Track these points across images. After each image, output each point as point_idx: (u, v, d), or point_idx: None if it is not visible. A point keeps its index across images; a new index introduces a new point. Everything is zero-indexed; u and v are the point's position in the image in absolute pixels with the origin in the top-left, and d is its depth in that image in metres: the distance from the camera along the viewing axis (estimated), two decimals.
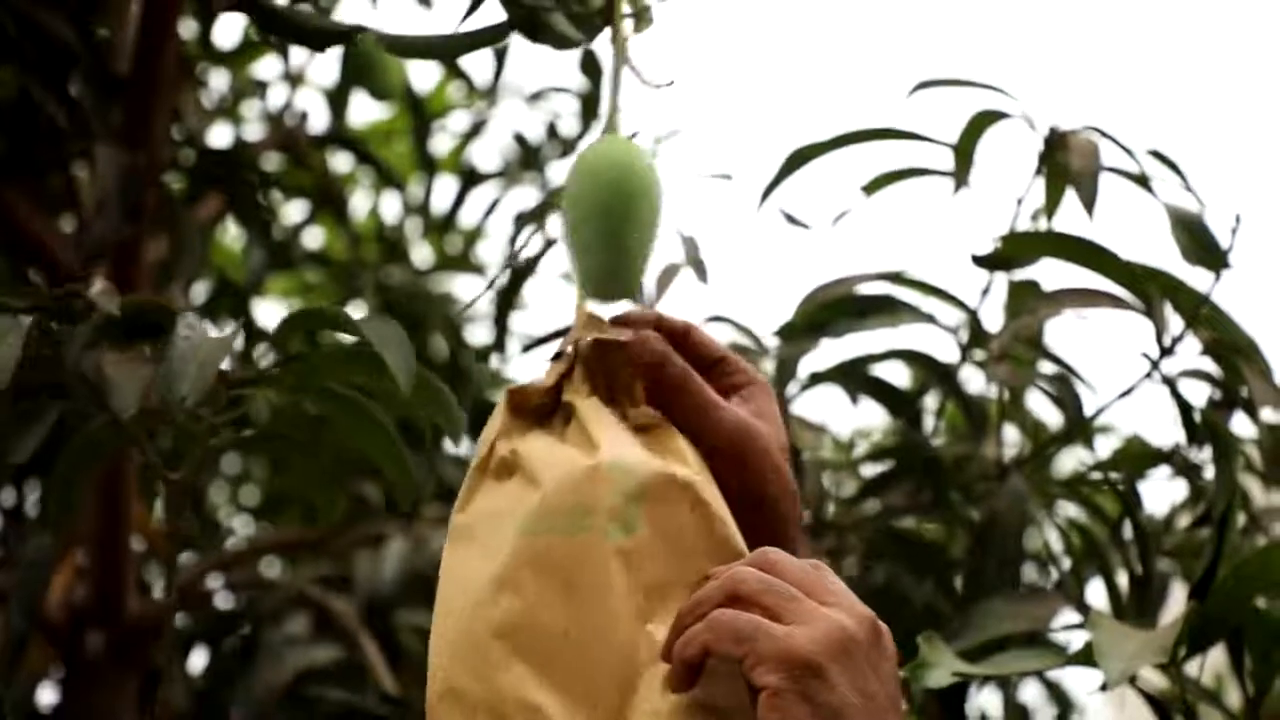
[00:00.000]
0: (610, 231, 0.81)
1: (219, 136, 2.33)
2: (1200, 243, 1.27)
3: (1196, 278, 1.27)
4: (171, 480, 1.01)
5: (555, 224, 1.84)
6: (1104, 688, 1.02)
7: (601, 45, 1.11)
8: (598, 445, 0.78)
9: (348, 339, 1.02)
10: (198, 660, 2.00)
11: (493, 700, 0.73)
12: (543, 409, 0.82)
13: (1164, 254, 1.28)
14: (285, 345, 1.04)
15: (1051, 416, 1.54)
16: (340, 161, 2.54)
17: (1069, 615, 1.34)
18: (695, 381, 0.82)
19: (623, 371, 0.82)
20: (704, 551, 0.77)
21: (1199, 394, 1.32)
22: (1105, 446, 1.49)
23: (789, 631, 0.70)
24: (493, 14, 1.03)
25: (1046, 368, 1.43)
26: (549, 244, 1.88)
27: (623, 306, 0.85)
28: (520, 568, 0.75)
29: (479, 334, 2.47)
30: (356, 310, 1.71)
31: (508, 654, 0.74)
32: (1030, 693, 2.05)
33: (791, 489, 0.84)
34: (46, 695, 2.09)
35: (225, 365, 1.00)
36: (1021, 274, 1.41)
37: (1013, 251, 1.36)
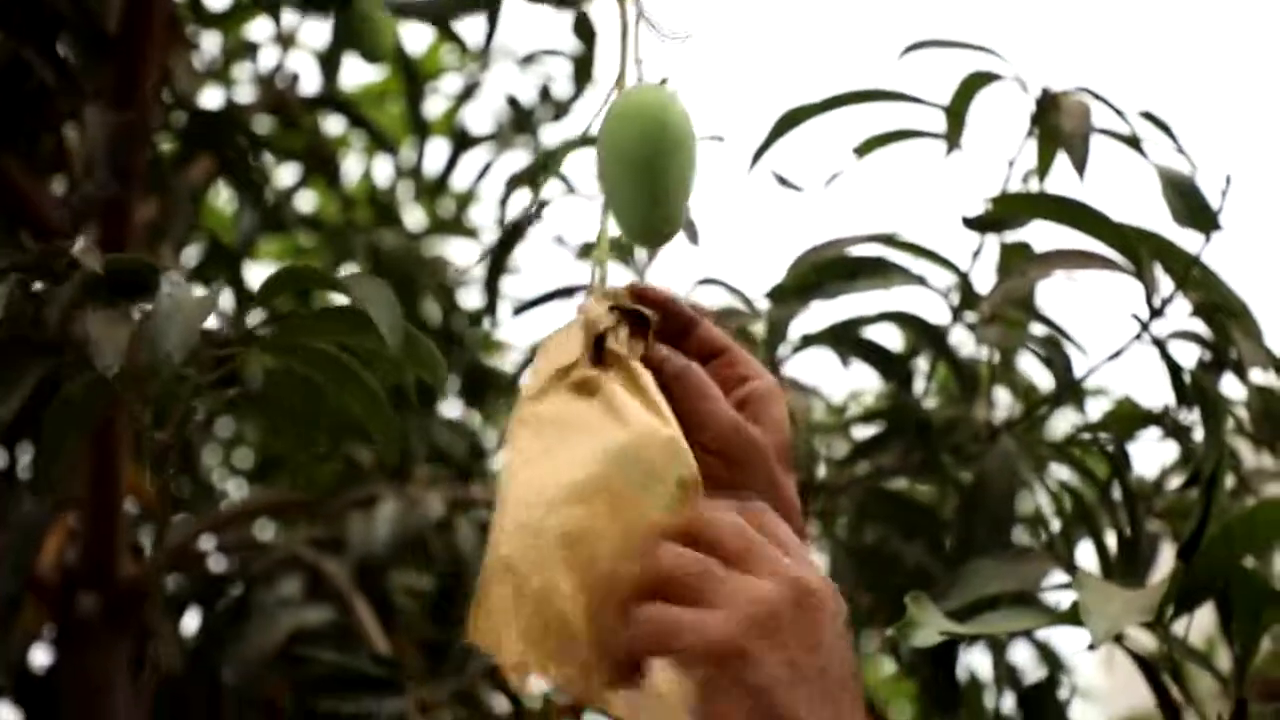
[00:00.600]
0: (648, 178, 0.81)
1: (210, 99, 2.32)
2: (1191, 204, 1.27)
3: (1187, 239, 1.27)
4: (158, 439, 1.01)
5: (547, 187, 1.84)
6: (1091, 647, 1.02)
7: (599, 6, 1.11)
8: (666, 417, 0.80)
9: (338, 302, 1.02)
10: (190, 622, 2.01)
11: (540, 598, 0.75)
12: (610, 359, 0.82)
13: (1155, 216, 1.28)
14: (271, 304, 1.03)
15: (1042, 379, 1.54)
16: (332, 124, 2.53)
17: (1059, 576, 1.34)
18: (695, 374, 0.83)
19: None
20: None
21: (1189, 355, 1.32)
22: (1096, 409, 1.49)
23: (706, 622, 0.71)
24: None
25: (1037, 330, 1.42)
26: (541, 206, 1.87)
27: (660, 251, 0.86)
28: (598, 492, 0.77)
29: (471, 298, 2.47)
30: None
31: (566, 563, 0.75)
32: (1021, 654, 2.05)
33: (789, 501, 0.83)
34: (40, 657, 2.10)
35: (215, 326, 1.00)
36: (1013, 236, 1.40)
37: (1004, 213, 1.36)
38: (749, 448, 0.82)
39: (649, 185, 0.81)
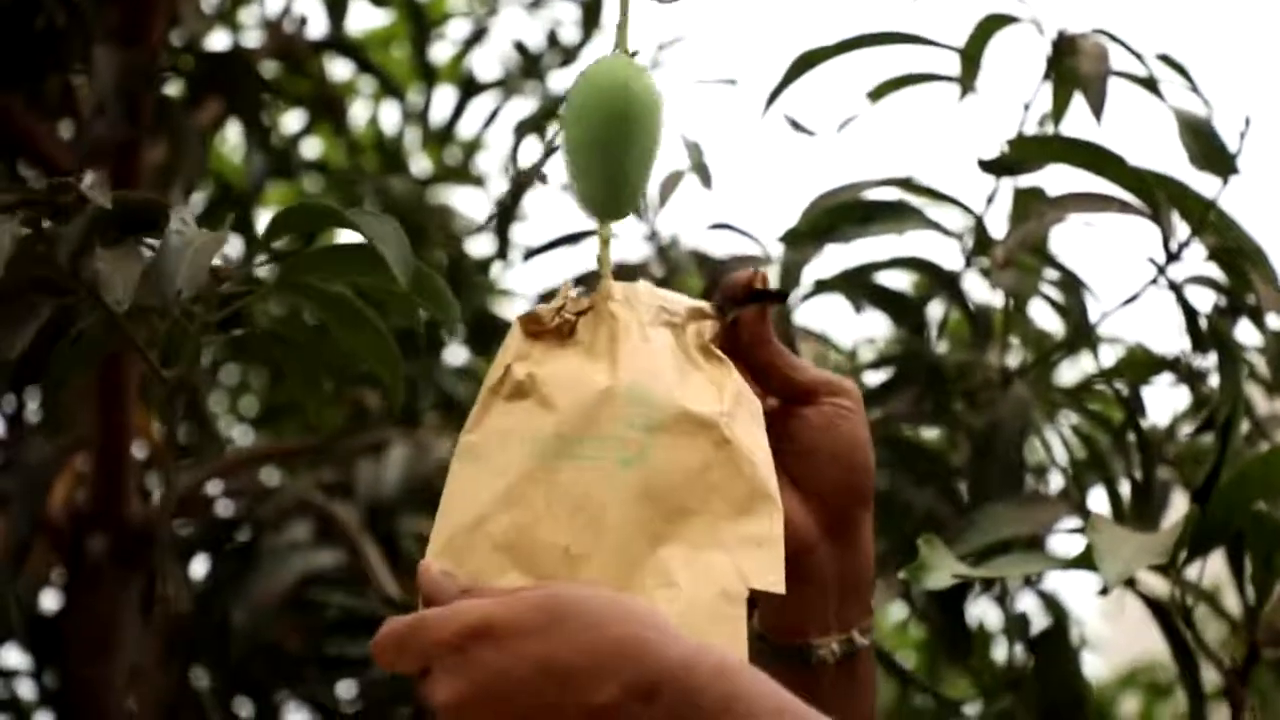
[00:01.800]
0: (608, 152, 0.80)
1: (217, 43, 2.31)
2: (1208, 147, 1.26)
3: (1204, 183, 1.26)
4: (166, 378, 1.00)
5: (555, 132, 1.83)
6: (1103, 591, 1.02)
7: None
8: (617, 364, 0.77)
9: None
10: (199, 567, 2.02)
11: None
12: (564, 327, 0.81)
13: (1172, 159, 1.27)
14: (278, 242, 1.02)
15: (1056, 325, 1.53)
16: (339, 69, 2.52)
17: (1071, 522, 1.34)
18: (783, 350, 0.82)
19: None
20: (730, 491, 0.75)
21: (1205, 300, 1.31)
22: (1110, 355, 1.48)
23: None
24: None
25: (1051, 275, 1.42)
26: (550, 152, 1.86)
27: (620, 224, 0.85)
28: (529, 486, 0.75)
29: (479, 246, 2.46)
30: None
31: (506, 564, 0.74)
32: (1028, 605, 2.05)
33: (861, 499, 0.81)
34: (49, 600, 2.10)
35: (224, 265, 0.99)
36: (1027, 181, 1.39)
37: (1019, 156, 1.34)
38: (844, 430, 0.81)
39: (607, 160, 0.80)
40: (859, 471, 0.81)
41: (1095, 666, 3.59)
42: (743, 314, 0.82)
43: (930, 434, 1.66)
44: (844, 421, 0.81)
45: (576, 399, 0.77)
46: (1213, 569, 1.18)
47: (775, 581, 0.74)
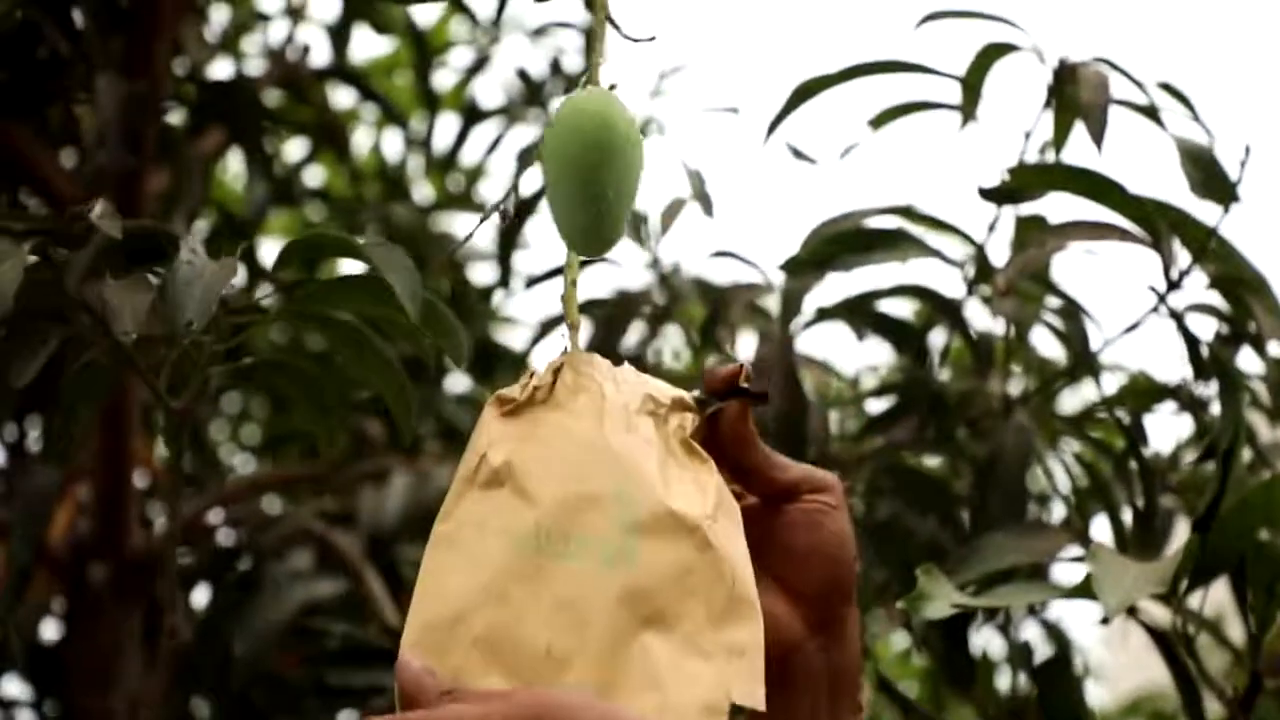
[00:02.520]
0: (587, 187, 0.79)
1: (220, 72, 2.32)
2: (1209, 176, 1.26)
3: (1205, 211, 1.26)
4: (172, 409, 1.01)
5: (519, 173, 1.83)
6: (1105, 621, 1.02)
7: None
8: (600, 455, 0.75)
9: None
10: (201, 596, 2.01)
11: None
12: (539, 393, 0.79)
13: (1173, 187, 1.27)
14: (286, 272, 1.03)
15: (1058, 353, 1.54)
16: (342, 97, 2.53)
17: (1074, 551, 1.34)
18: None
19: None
20: (711, 596, 0.73)
21: (1206, 328, 1.32)
22: (1112, 383, 1.48)
23: None
24: None
25: (1053, 303, 1.42)
26: (514, 190, 1.87)
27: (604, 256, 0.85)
28: (509, 582, 0.73)
29: (482, 274, 2.46)
30: None
31: (487, 663, 0.73)
32: (1031, 635, 2.05)
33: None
34: (50, 630, 2.10)
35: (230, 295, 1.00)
36: (1029, 209, 1.40)
37: (1020, 184, 1.35)
38: (823, 533, 0.79)
39: (587, 194, 0.79)
40: (843, 567, 0.80)
41: (1099, 696, 3.59)
42: (724, 411, 0.80)
43: (932, 462, 1.66)
44: (826, 519, 0.80)
45: (557, 491, 0.75)
46: (1217, 598, 1.18)
47: (756, 695, 0.72)
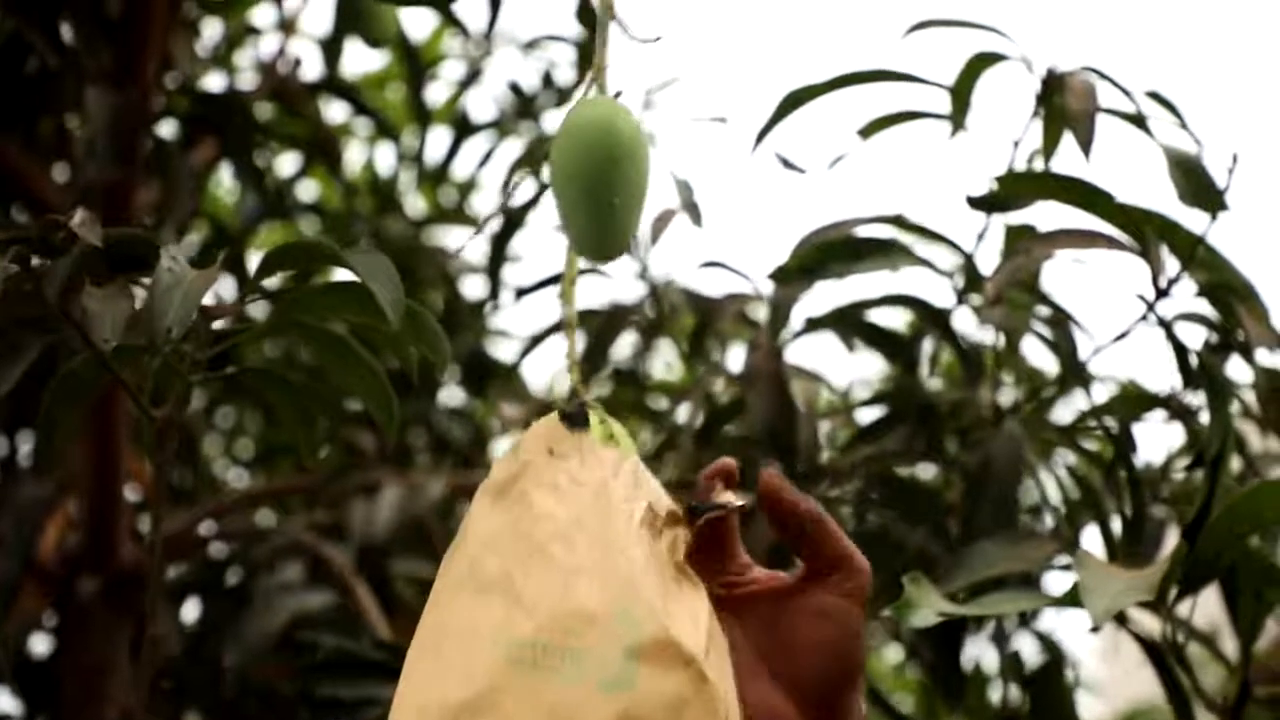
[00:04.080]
0: (596, 193, 0.80)
1: (212, 85, 2.32)
2: (1197, 184, 1.26)
3: (1193, 219, 1.26)
4: (155, 417, 1.00)
5: (547, 171, 1.83)
6: (1094, 629, 1.01)
7: None
8: (597, 573, 0.73)
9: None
10: (192, 608, 2.01)
11: None
12: (527, 474, 0.76)
13: (1161, 196, 1.27)
14: (270, 280, 1.02)
15: (1047, 362, 1.53)
16: (334, 111, 2.53)
17: (1064, 560, 1.33)
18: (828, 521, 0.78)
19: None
20: None
21: (1195, 337, 1.31)
22: (1102, 393, 1.48)
23: None
24: None
25: (1042, 312, 1.42)
26: (542, 191, 1.87)
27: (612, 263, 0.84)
28: (502, 696, 0.71)
29: (472, 287, 2.46)
30: None
31: None
32: (1024, 646, 2.05)
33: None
34: (40, 643, 2.09)
35: (215, 304, 0.99)
36: (1018, 218, 1.39)
37: (1008, 192, 1.35)
38: (843, 622, 0.77)
39: (598, 201, 0.80)
40: (850, 661, 0.77)
41: (1094, 709, 3.58)
42: (765, 489, 0.78)
43: (923, 472, 1.66)
44: (840, 613, 0.77)
45: (556, 604, 0.72)
46: (1212, 613, 1.18)
47: None
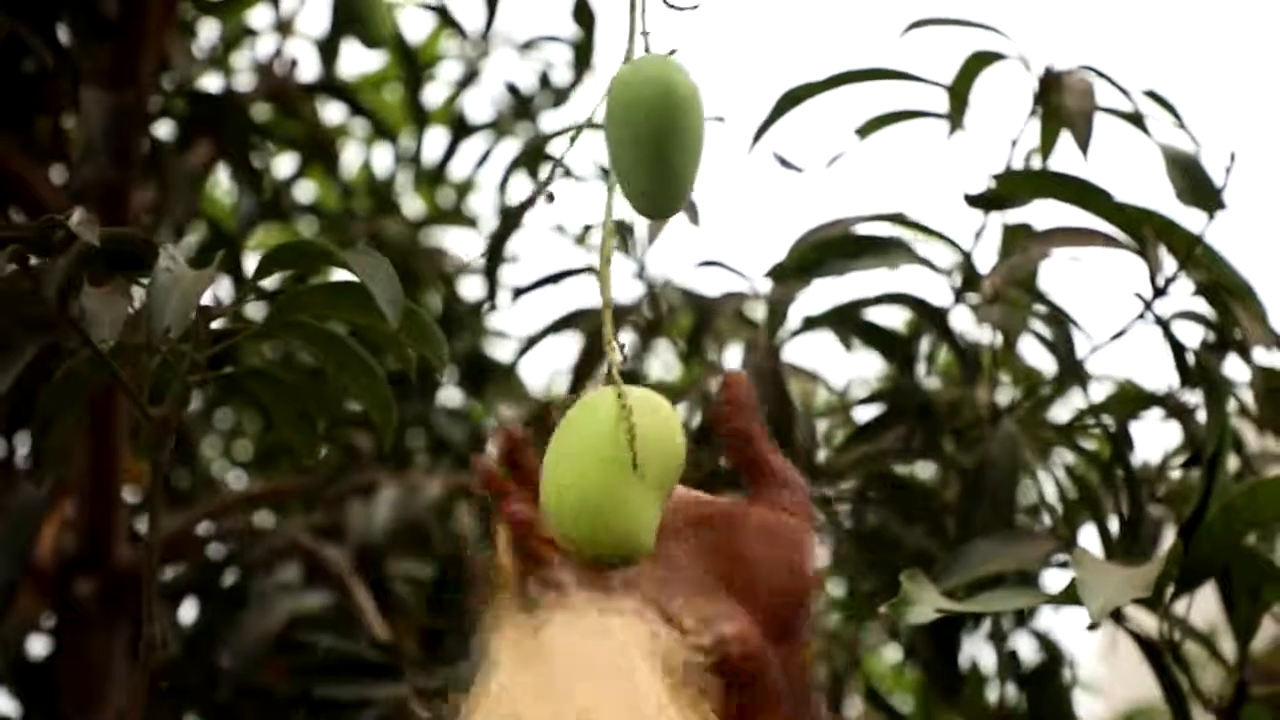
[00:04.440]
0: (656, 150, 0.80)
1: (209, 86, 2.32)
2: (1195, 183, 1.26)
3: (1191, 218, 1.26)
4: (153, 417, 1.00)
5: (557, 162, 1.83)
6: (1092, 627, 1.01)
7: None
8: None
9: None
10: (189, 609, 2.01)
11: None
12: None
13: (1158, 194, 1.27)
14: (268, 280, 1.02)
15: (1045, 361, 1.53)
16: (332, 112, 2.53)
17: (1061, 559, 1.33)
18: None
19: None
20: None
21: (1192, 336, 1.31)
22: (1099, 392, 1.48)
23: None
24: None
25: (1040, 310, 1.42)
26: (544, 189, 1.86)
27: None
28: None
29: (471, 287, 2.46)
30: None
31: None
32: (1023, 646, 2.05)
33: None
34: (37, 645, 2.09)
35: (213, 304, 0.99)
36: (1015, 216, 1.40)
37: (1006, 191, 1.35)
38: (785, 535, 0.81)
39: (656, 157, 0.80)
40: (799, 578, 0.80)
41: (1091, 708, 3.57)
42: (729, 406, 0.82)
43: (920, 471, 1.65)
44: (789, 530, 0.81)
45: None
46: (1211, 613, 1.18)
47: None
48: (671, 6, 0.85)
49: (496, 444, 0.81)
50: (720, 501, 0.83)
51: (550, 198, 0.92)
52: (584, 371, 1.68)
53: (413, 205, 2.61)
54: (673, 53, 0.82)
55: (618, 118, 0.81)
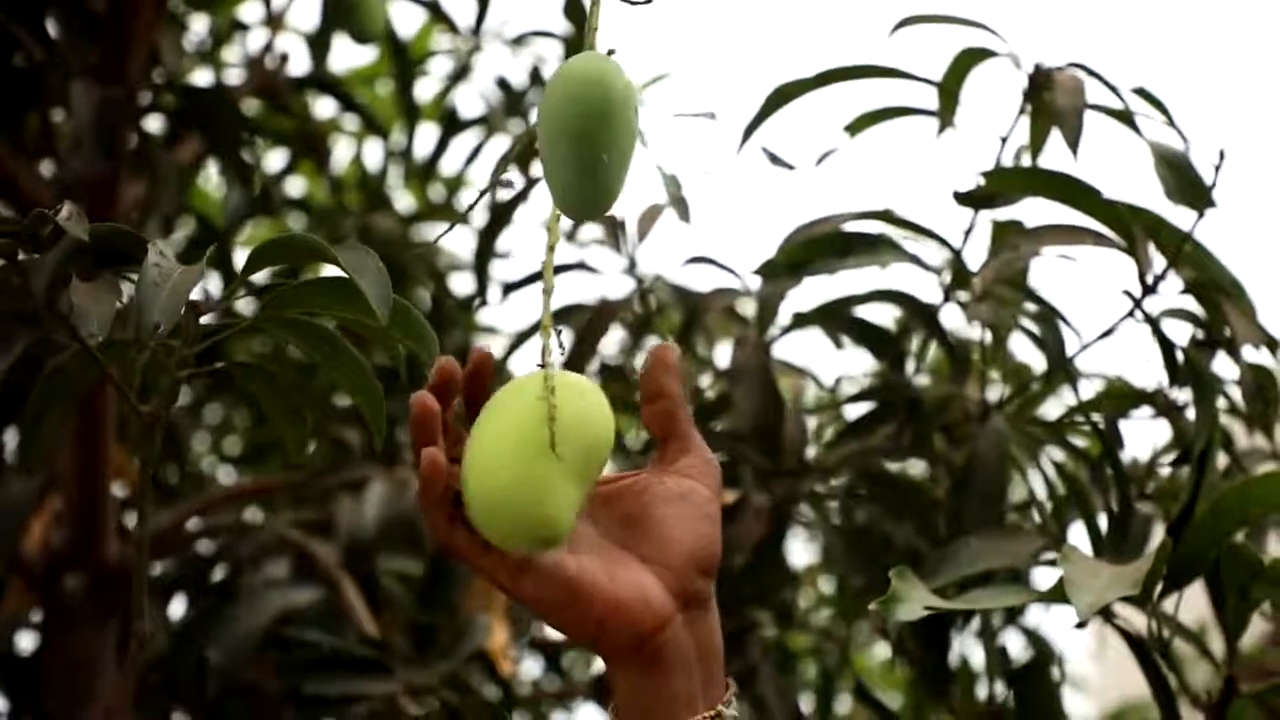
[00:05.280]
0: (584, 150, 0.78)
1: (199, 80, 2.31)
2: (1184, 181, 1.27)
3: (1180, 216, 1.26)
4: (142, 412, 1.00)
5: (535, 166, 1.83)
6: (1080, 625, 1.01)
7: None
8: None
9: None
10: (178, 605, 2.00)
11: None
12: None
13: (1148, 192, 1.27)
14: (258, 276, 1.02)
15: (1034, 358, 1.54)
16: (322, 107, 2.52)
17: (1050, 556, 1.33)
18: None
19: None
20: None
21: (1181, 334, 1.32)
22: (1088, 389, 1.48)
23: None
24: None
25: (1029, 308, 1.42)
26: (530, 185, 1.87)
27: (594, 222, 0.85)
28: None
29: (461, 284, 2.46)
30: None
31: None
32: (1013, 643, 2.05)
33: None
34: (25, 641, 2.09)
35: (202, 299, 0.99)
36: (1005, 214, 1.40)
37: (996, 188, 1.35)
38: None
39: (584, 156, 0.79)
40: (705, 540, 0.82)
41: (1083, 708, 3.58)
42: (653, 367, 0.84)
43: (910, 467, 1.66)
44: (696, 494, 0.83)
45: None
46: (1200, 611, 1.18)
47: None
48: (627, 1, 0.84)
49: (433, 377, 0.81)
50: (629, 475, 0.84)
51: (508, 184, 0.91)
52: (573, 367, 1.68)
53: (403, 200, 2.60)
54: (611, 52, 0.82)
55: (549, 115, 0.80)
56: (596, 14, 0.82)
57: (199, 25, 2.32)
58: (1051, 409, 1.66)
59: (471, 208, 0.91)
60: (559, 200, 0.80)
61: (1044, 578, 1.50)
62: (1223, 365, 1.32)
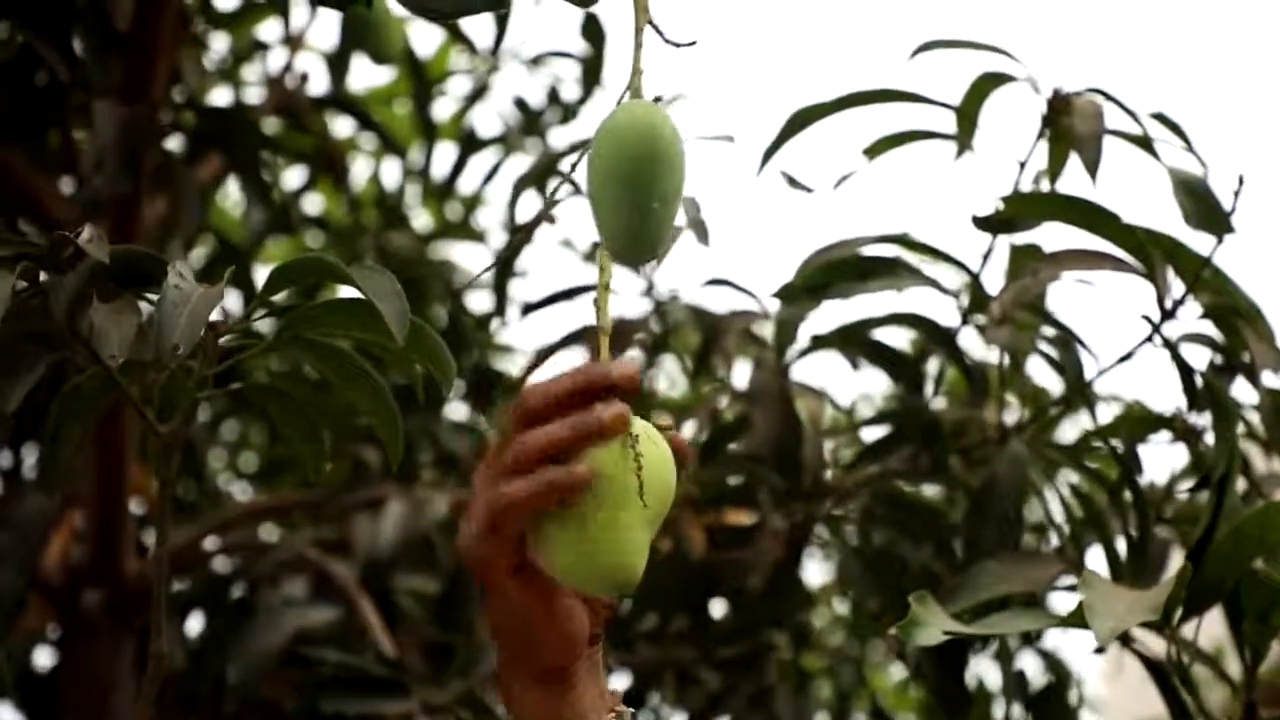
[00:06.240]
0: (635, 195, 0.80)
1: (219, 99, 2.32)
2: (1203, 206, 1.26)
3: (1199, 241, 1.26)
4: (161, 432, 1.00)
5: (561, 180, 1.84)
6: (1099, 650, 1.01)
7: (608, 7, 1.10)
8: None
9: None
10: (196, 622, 2.01)
11: None
12: None
13: (1167, 217, 1.27)
14: (277, 296, 1.02)
15: (1052, 382, 1.53)
16: (341, 126, 2.53)
17: (1070, 580, 1.33)
18: None
19: None
20: None
21: (1200, 358, 1.31)
22: (1107, 413, 1.48)
23: None
24: None
25: (1048, 332, 1.42)
26: (550, 207, 1.87)
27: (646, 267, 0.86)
28: None
29: (478, 301, 2.46)
30: None
31: None
32: (1029, 665, 2.05)
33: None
34: (43, 657, 2.09)
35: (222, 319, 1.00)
36: (1024, 238, 1.40)
37: (1014, 213, 1.35)
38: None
39: (638, 203, 0.80)
40: None
41: None
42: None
43: (927, 491, 1.65)
44: None
45: None
46: (1217, 633, 1.17)
47: None
48: (669, 44, 0.85)
49: (624, 381, 0.81)
50: None
51: (552, 220, 0.92)
52: None
53: (421, 219, 2.61)
54: (658, 100, 0.83)
55: (598, 162, 0.81)
56: (639, 57, 0.83)
57: (220, 44, 2.33)
58: (1069, 433, 1.66)
59: (504, 254, 0.91)
60: (609, 244, 0.81)
61: (1061, 601, 1.50)
62: (1241, 390, 1.32)
